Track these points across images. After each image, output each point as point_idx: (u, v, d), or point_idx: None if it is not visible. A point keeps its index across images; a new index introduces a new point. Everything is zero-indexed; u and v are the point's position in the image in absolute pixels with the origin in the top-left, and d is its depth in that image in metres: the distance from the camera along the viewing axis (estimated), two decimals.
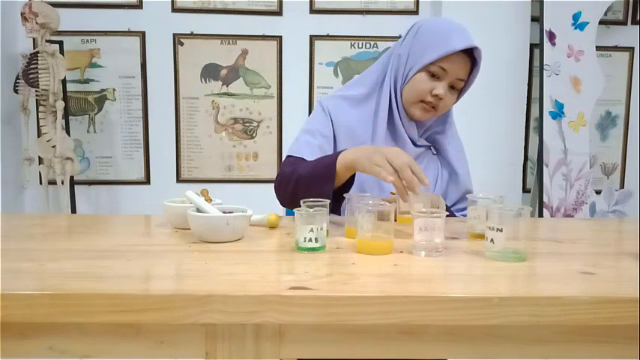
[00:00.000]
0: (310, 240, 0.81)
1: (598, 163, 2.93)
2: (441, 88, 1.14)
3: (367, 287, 0.64)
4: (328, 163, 1.04)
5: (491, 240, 0.79)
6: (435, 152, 1.32)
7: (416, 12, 2.74)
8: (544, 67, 2.49)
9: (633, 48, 2.86)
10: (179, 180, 2.83)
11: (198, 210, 0.91)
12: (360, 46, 2.78)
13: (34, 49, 2.52)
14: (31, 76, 2.37)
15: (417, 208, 0.86)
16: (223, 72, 2.77)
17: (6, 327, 0.61)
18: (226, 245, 0.86)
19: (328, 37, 2.77)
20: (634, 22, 2.85)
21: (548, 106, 2.51)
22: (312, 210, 0.83)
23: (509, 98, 2.66)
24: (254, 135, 2.83)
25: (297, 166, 1.12)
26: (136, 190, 2.81)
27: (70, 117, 2.65)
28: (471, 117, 2.49)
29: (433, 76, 1.15)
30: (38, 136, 2.52)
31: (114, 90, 2.75)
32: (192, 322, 0.60)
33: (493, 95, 2.60)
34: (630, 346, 0.65)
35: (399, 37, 1.34)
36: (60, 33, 2.55)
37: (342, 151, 1.05)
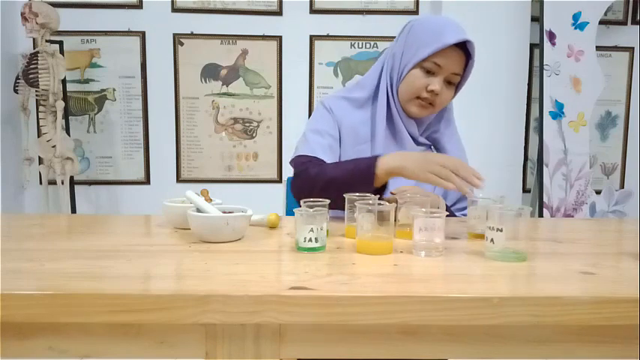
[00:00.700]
0: (310, 240, 0.81)
1: (598, 163, 2.93)
2: (436, 83, 1.15)
3: (367, 287, 0.64)
4: (367, 167, 1.05)
5: (491, 240, 0.79)
6: (436, 151, 1.32)
7: (416, 12, 2.74)
8: (544, 67, 2.49)
9: (633, 48, 2.86)
10: (179, 180, 2.83)
11: (198, 210, 0.91)
12: (360, 46, 2.79)
13: (34, 49, 2.52)
14: (31, 76, 2.37)
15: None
16: (223, 72, 2.77)
17: (6, 327, 0.61)
18: (226, 245, 0.86)
19: (328, 37, 2.77)
20: (634, 22, 2.85)
21: (548, 106, 2.51)
22: (312, 210, 0.83)
23: (509, 98, 2.66)
24: (254, 135, 2.83)
25: (324, 169, 1.11)
26: (136, 190, 2.81)
27: (70, 117, 2.65)
28: (471, 117, 2.49)
29: (428, 72, 1.16)
30: (38, 136, 2.52)
31: (114, 90, 2.75)
32: (192, 322, 0.60)
33: (493, 95, 2.61)
34: (630, 346, 0.65)
35: None
36: (60, 33, 2.55)
37: (378, 156, 1.06)
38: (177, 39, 2.74)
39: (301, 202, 0.91)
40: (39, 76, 2.37)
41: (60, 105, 2.41)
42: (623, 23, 2.85)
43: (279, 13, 2.75)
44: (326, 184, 1.07)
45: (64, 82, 2.48)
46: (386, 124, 1.24)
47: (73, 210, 2.59)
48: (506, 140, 2.67)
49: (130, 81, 2.76)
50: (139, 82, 2.76)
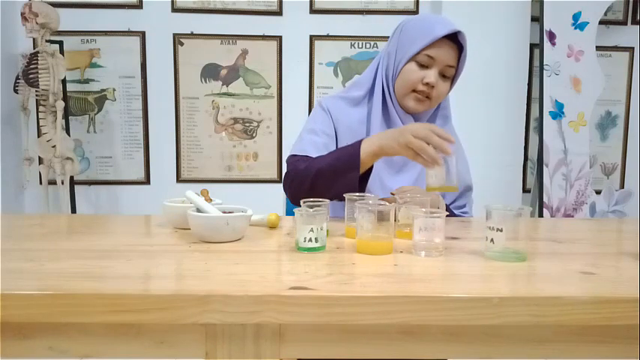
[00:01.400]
0: (310, 240, 0.81)
1: (598, 163, 2.93)
2: (431, 75, 1.17)
3: (367, 287, 0.64)
4: (351, 153, 1.06)
5: (491, 240, 0.79)
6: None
7: (416, 12, 2.74)
8: (544, 67, 2.49)
9: (633, 48, 2.86)
10: (179, 180, 2.83)
11: (198, 210, 0.91)
12: (360, 46, 2.79)
13: (34, 49, 2.52)
14: (31, 76, 2.37)
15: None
16: (223, 72, 2.77)
17: (6, 327, 0.61)
18: (226, 245, 0.86)
19: (328, 37, 2.77)
20: (634, 22, 2.85)
21: (548, 106, 2.51)
22: (312, 210, 0.83)
23: (509, 98, 2.66)
24: (254, 135, 2.83)
25: (312, 162, 1.12)
26: (136, 190, 2.81)
27: (70, 117, 2.65)
28: (471, 117, 2.49)
29: (422, 65, 1.18)
30: (38, 136, 2.52)
31: (114, 90, 2.75)
32: (192, 322, 0.60)
33: (493, 95, 2.61)
34: (630, 346, 0.65)
35: None
36: (60, 33, 2.55)
37: (361, 140, 1.07)
38: (177, 39, 2.74)
39: (301, 202, 0.91)
40: (39, 76, 2.37)
41: (60, 105, 2.41)
42: (623, 23, 2.85)
43: (279, 13, 2.75)
44: (315, 176, 1.08)
45: (64, 82, 2.48)
46: (383, 121, 1.25)
47: (73, 210, 2.59)
48: (506, 140, 2.67)
49: (130, 81, 2.76)
50: (139, 82, 2.76)
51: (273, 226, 1.03)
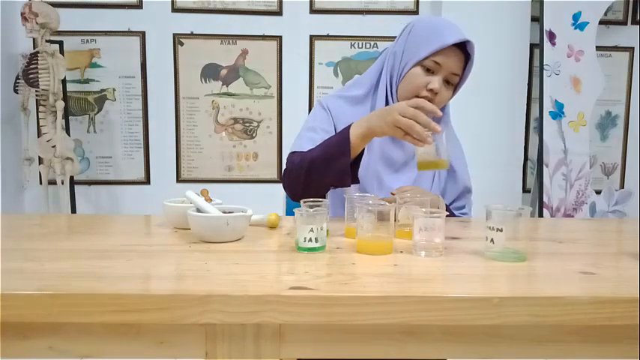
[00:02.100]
0: (310, 240, 0.81)
1: (598, 163, 2.93)
2: (436, 82, 1.16)
3: (367, 287, 0.64)
4: (341, 139, 1.06)
5: (492, 240, 0.79)
6: None
7: (416, 12, 2.74)
8: (544, 67, 2.49)
9: (633, 48, 2.86)
10: (179, 180, 2.83)
11: (198, 210, 0.91)
12: (360, 46, 2.78)
13: (34, 49, 2.52)
14: (31, 76, 2.37)
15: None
16: (223, 72, 2.77)
17: (6, 327, 0.61)
18: (226, 245, 0.86)
19: (328, 37, 2.77)
20: (634, 22, 2.85)
21: (548, 106, 2.51)
22: (312, 210, 0.83)
23: (509, 98, 2.66)
24: (254, 135, 2.83)
25: (306, 154, 1.13)
26: (136, 190, 2.81)
27: (70, 117, 2.65)
28: (471, 117, 2.49)
29: (428, 70, 1.17)
30: (38, 136, 2.52)
31: (114, 90, 2.75)
32: (192, 322, 0.60)
33: (493, 95, 2.60)
34: (630, 346, 0.65)
35: None
36: (60, 33, 2.55)
37: (350, 125, 1.07)
38: (177, 39, 2.74)
39: (301, 202, 0.91)
40: (39, 76, 2.37)
41: (60, 105, 2.41)
42: (623, 23, 2.85)
43: (279, 13, 2.75)
44: (308, 166, 1.09)
45: (64, 82, 2.48)
46: None
47: (73, 210, 2.59)
48: (507, 140, 2.67)
49: (130, 81, 2.76)
50: (139, 82, 2.76)
51: (273, 226, 1.03)
